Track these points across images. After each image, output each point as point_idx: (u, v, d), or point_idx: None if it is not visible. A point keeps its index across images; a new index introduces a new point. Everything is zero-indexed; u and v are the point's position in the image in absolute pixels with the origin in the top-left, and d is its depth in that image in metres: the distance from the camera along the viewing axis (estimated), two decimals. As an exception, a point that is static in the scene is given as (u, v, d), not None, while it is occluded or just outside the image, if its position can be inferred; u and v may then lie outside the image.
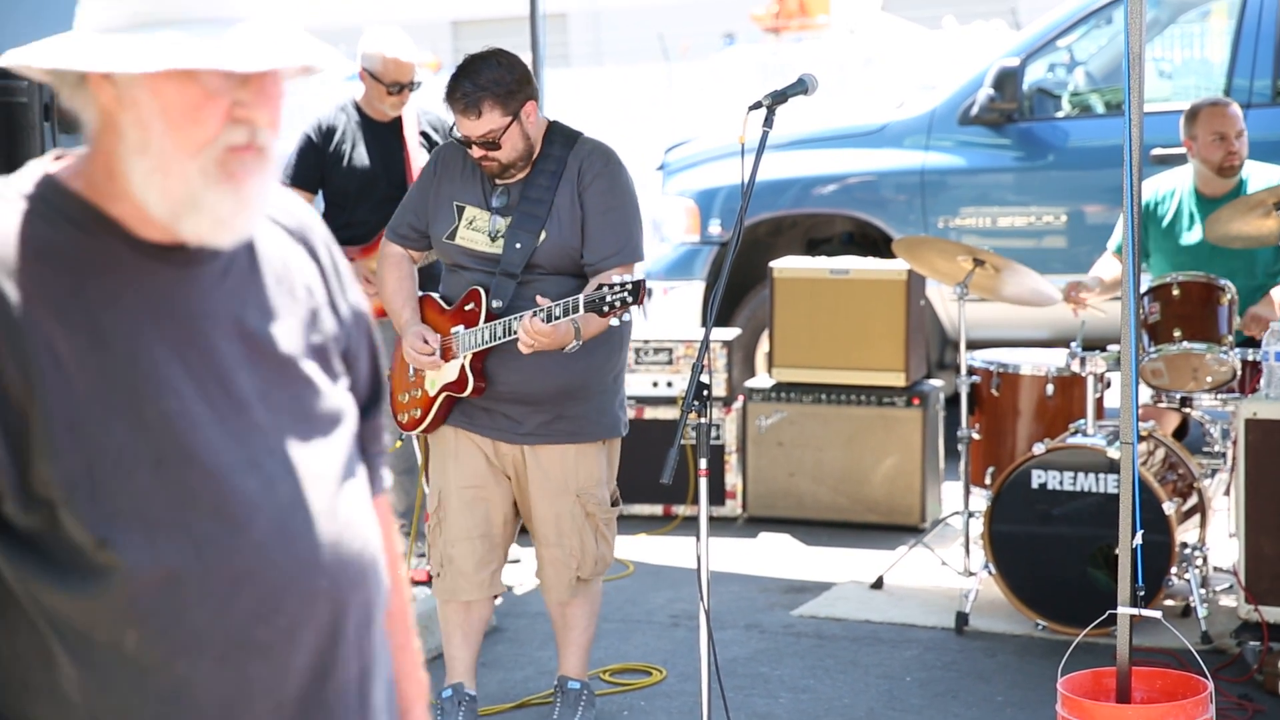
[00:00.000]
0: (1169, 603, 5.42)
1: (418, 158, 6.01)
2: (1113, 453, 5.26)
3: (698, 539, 3.84)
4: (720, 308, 4.00)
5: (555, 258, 4.43)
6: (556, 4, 28.57)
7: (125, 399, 1.67)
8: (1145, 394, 5.66)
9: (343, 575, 1.78)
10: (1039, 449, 5.42)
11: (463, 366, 4.46)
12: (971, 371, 6.11)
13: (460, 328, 4.47)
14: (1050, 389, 5.97)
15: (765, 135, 4.01)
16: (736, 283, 7.71)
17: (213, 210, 1.71)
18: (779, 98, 4.05)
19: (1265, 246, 5.76)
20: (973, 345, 6.39)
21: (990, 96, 7.51)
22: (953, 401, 7.10)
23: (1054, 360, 6.03)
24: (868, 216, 7.84)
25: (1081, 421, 5.58)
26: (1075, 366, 5.55)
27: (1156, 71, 8.53)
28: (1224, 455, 5.69)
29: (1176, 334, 5.49)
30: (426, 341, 4.47)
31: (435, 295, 4.59)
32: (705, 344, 3.78)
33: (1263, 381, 5.22)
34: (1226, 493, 5.68)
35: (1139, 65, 4.25)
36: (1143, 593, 4.26)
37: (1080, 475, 5.38)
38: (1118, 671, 4.23)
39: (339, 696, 1.78)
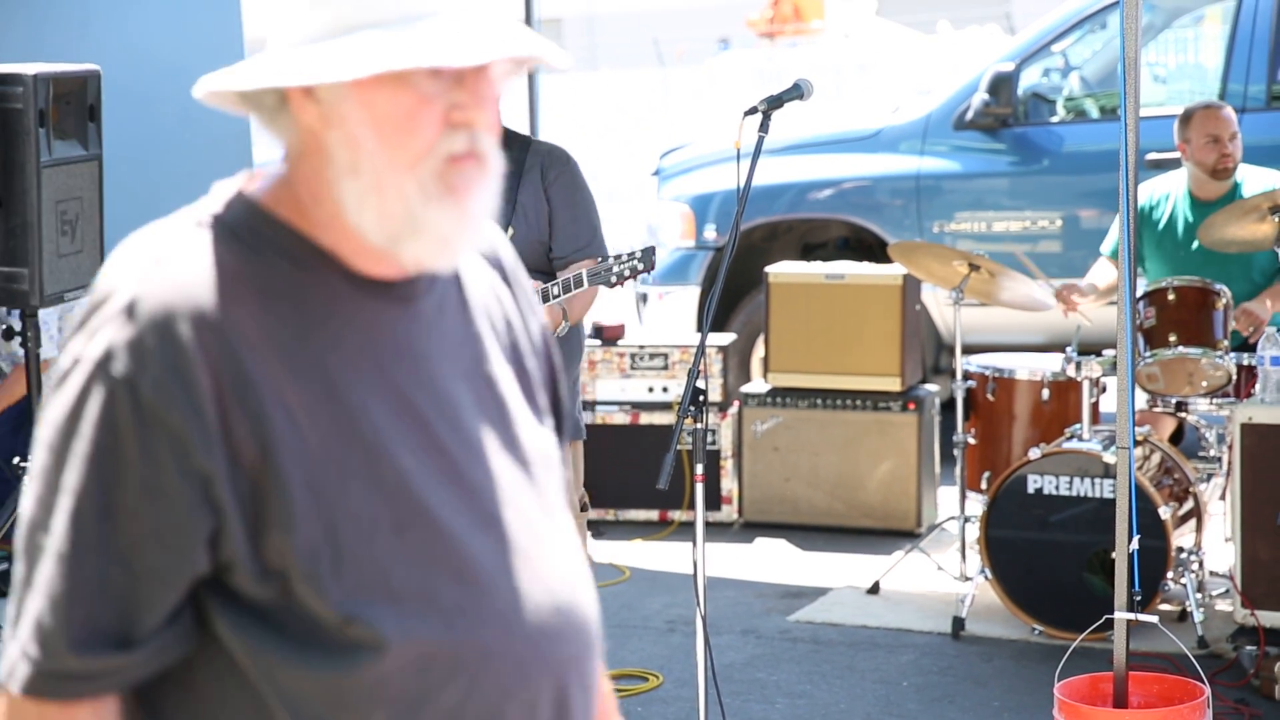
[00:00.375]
0: (1165, 607, 5.42)
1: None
2: (1108, 458, 5.26)
3: (694, 544, 3.84)
4: (716, 313, 4.00)
5: (523, 254, 4.46)
6: (551, 9, 28.57)
7: (360, 456, 1.50)
8: (1141, 399, 5.65)
9: (576, 638, 1.64)
10: (1035, 454, 5.42)
11: None
12: (967, 376, 6.11)
13: None
14: (1046, 394, 5.97)
15: (761, 140, 4.01)
16: (732, 288, 7.70)
17: (435, 230, 1.52)
18: (774, 103, 4.06)
19: (1260, 251, 5.76)
20: (968, 350, 6.38)
21: (985, 101, 7.51)
22: (948, 406, 7.10)
23: (1049, 365, 6.03)
24: (863, 221, 7.84)
25: (1077, 426, 5.58)
26: (1071, 371, 5.55)
27: (1151, 76, 8.53)
28: (1219, 460, 5.69)
29: (1172, 339, 5.49)
30: None
31: None
32: (701, 349, 3.78)
33: (1258, 386, 5.22)
34: (1222, 497, 5.68)
35: (1134, 70, 4.25)
36: (1139, 597, 4.26)
37: (1076, 480, 5.38)
38: (1114, 676, 4.22)
39: None
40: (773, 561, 6.47)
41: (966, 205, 7.69)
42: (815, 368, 6.84)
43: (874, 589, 5.97)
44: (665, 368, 7.00)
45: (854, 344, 6.76)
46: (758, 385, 7.07)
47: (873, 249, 7.77)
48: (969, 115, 7.61)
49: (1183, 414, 5.72)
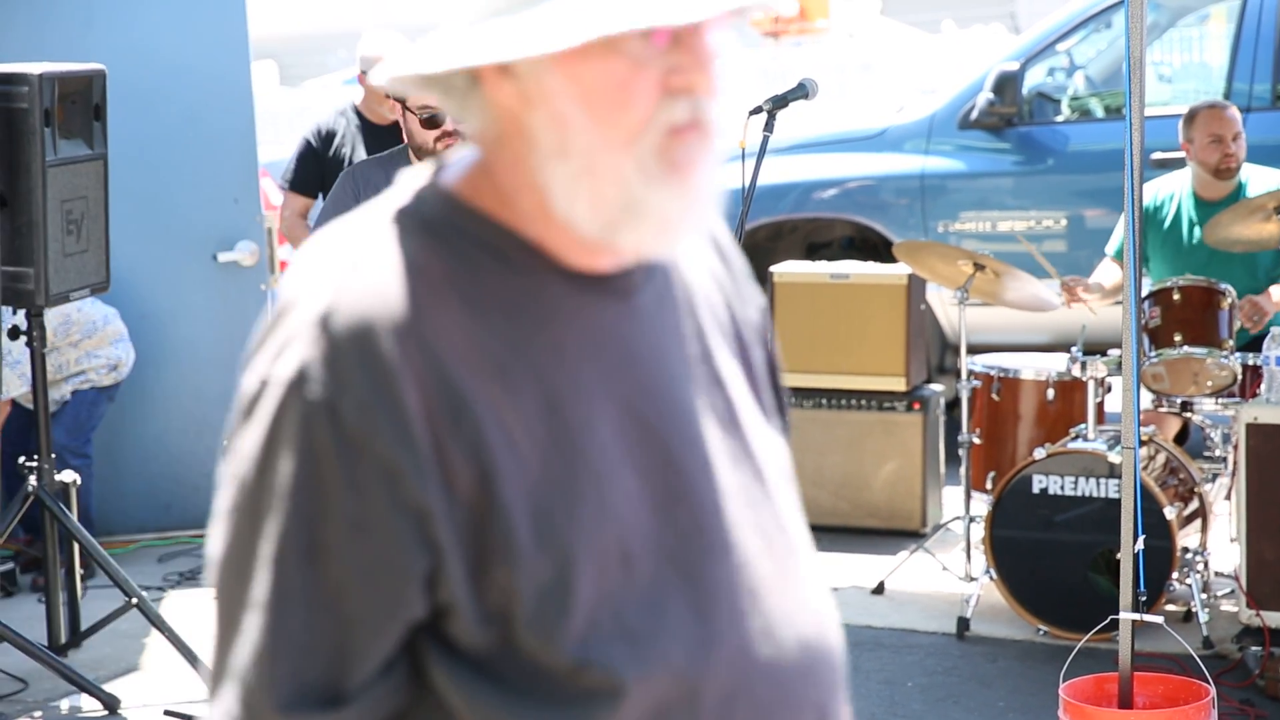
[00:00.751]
0: (1170, 608, 5.41)
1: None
2: (1114, 457, 5.26)
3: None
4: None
5: None
6: (556, 8, 28.44)
7: (587, 479, 1.33)
8: (1146, 398, 5.65)
9: (825, 677, 1.45)
10: (1040, 454, 5.41)
11: None
12: (972, 376, 6.11)
13: None
14: (1051, 394, 5.96)
15: (765, 140, 4.01)
16: (736, 287, 7.70)
17: (658, 212, 1.34)
18: (779, 102, 4.06)
19: (1265, 250, 5.76)
20: (973, 350, 6.38)
21: (990, 101, 7.51)
22: (953, 406, 7.09)
23: (1055, 365, 6.03)
24: (868, 221, 7.83)
25: (1082, 426, 5.58)
26: (1076, 371, 5.54)
27: (1156, 75, 8.53)
28: (1225, 460, 5.69)
29: (1177, 338, 5.49)
30: None
31: None
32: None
33: (1263, 386, 5.22)
34: (1228, 497, 5.67)
35: (1139, 69, 4.25)
36: (1144, 598, 4.26)
37: (1081, 480, 5.37)
38: (1119, 677, 4.22)
39: None
40: (777, 561, 6.47)
41: (971, 205, 7.69)
42: (820, 367, 6.84)
43: (879, 589, 5.96)
44: (670, 367, 6.99)
45: (858, 344, 6.76)
46: (762, 385, 7.06)
47: (877, 248, 7.77)
48: (974, 115, 7.60)
49: (1188, 414, 5.72)
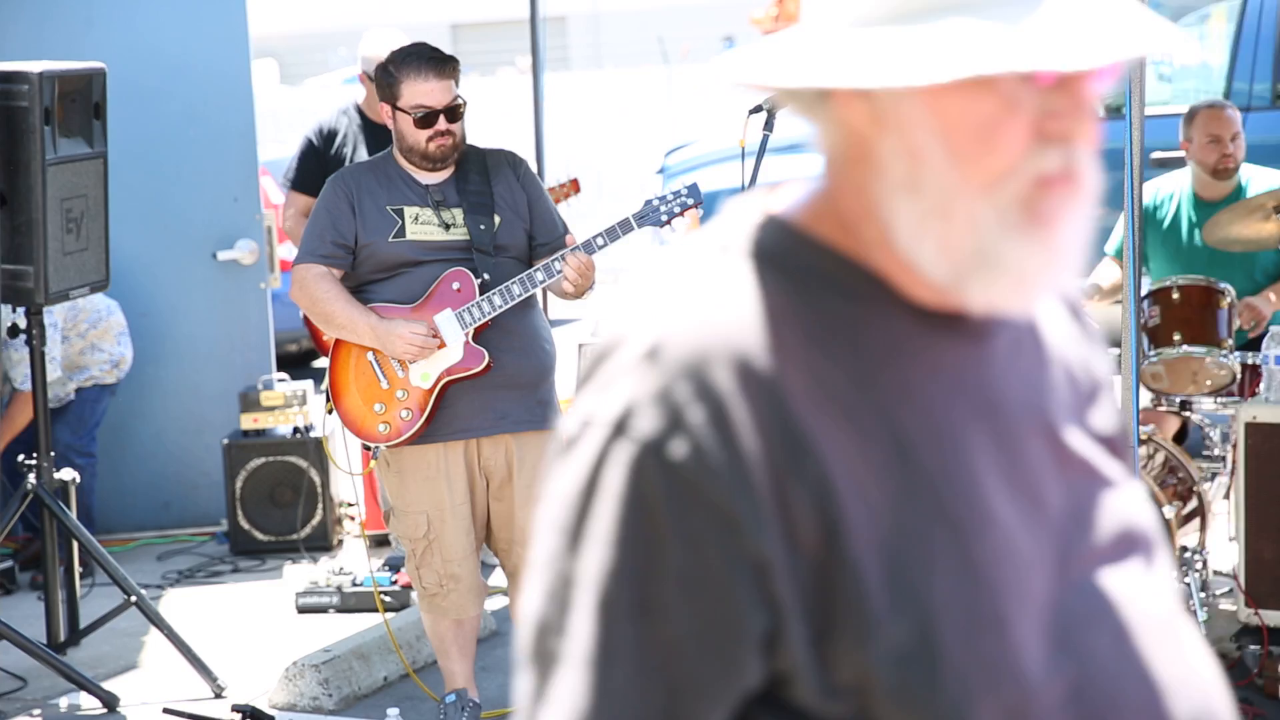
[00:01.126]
0: (1169, 606, 5.41)
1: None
2: (1113, 456, 5.25)
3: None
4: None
5: (511, 239, 4.54)
6: (556, 7, 28.60)
7: (945, 532, 1.20)
8: (1145, 397, 5.65)
9: None
10: (1039, 453, 5.41)
11: (467, 343, 4.43)
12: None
13: (447, 311, 4.43)
14: (1050, 392, 5.96)
15: (766, 139, 4.01)
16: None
17: (1014, 267, 1.22)
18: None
19: (1264, 250, 5.76)
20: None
21: (990, 100, 7.51)
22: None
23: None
24: (867, 220, 7.84)
25: (1081, 425, 5.57)
26: (1075, 370, 5.54)
27: (1156, 75, 8.53)
28: (1224, 459, 5.68)
29: (1176, 337, 5.49)
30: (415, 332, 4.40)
31: (380, 305, 4.48)
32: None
33: (1262, 385, 5.22)
34: (1226, 496, 5.67)
35: (1139, 68, 4.25)
36: (1143, 597, 4.25)
37: (1080, 479, 5.37)
38: (1118, 675, 4.22)
39: None
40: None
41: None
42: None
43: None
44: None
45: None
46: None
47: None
48: (974, 114, 7.60)
49: (1187, 413, 5.71)
